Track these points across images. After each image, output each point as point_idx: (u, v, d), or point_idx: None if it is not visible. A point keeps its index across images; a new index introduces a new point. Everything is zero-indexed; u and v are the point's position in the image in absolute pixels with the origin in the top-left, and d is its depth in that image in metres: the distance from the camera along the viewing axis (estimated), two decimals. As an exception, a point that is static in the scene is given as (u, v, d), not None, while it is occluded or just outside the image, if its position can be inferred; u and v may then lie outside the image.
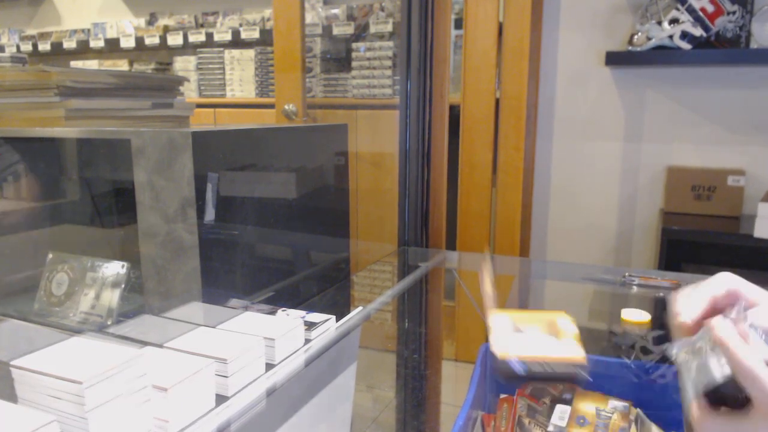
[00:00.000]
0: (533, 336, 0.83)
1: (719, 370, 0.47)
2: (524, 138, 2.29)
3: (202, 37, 3.25)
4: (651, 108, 2.28)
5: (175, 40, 3.32)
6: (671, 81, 2.24)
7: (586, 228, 2.45)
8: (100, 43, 3.55)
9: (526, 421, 0.80)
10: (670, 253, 2.02)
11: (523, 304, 1.31)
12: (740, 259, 2.16)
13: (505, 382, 0.81)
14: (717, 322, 0.49)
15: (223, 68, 3.20)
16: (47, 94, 1.15)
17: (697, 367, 0.49)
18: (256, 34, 3.12)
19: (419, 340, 1.22)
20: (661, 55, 2.09)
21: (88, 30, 3.73)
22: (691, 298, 0.53)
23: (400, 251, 1.58)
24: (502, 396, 0.86)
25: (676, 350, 0.52)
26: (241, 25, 3.22)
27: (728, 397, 0.48)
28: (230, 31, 3.19)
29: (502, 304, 0.91)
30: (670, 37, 2.04)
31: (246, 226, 1.04)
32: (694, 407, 0.50)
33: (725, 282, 0.52)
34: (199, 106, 3.13)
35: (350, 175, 1.39)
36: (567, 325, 0.84)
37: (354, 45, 2.80)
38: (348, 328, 0.93)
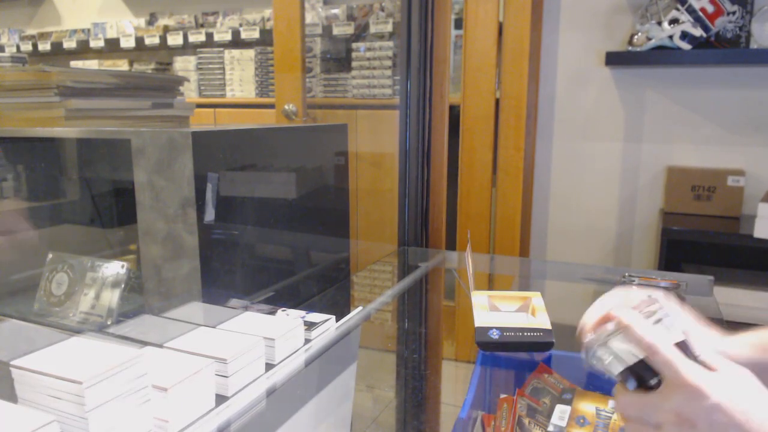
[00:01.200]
0: (507, 310, 0.99)
1: (629, 355, 0.54)
2: (524, 138, 2.29)
3: (202, 37, 3.25)
4: (651, 108, 2.28)
5: (175, 40, 3.32)
6: (671, 81, 2.24)
7: (586, 228, 2.45)
8: (100, 43, 3.55)
9: (526, 421, 0.80)
10: (670, 253, 2.02)
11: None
12: (740, 259, 2.16)
13: (483, 349, 0.88)
14: (624, 313, 0.55)
15: (223, 68, 3.20)
16: (47, 94, 1.15)
17: (610, 356, 0.55)
18: (256, 34, 3.12)
19: (419, 340, 1.22)
20: (661, 56, 2.09)
21: (88, 30, 3.73)
22: (592, 309, 0.61)
23: (400, 251, 1.58)
24: (502, 396, 0.86)
25: (591, 352, 0.58)
26: (241, 25, 3.22)
27: (640, 377, 0.53)
28: (230, 31, 3.19)
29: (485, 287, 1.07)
30: (670, 37, 2.04)
31: (246, 226, 1.04)
32: (615, 389, 0.56)
33: (616, 295, 0.62)
34: (199, 106, 3.13)
35: (350, 175, 1.39)
36: (538, 303, 0.98)
37: (354, 45, 2.80)
38: (348, 328, 0.93)
